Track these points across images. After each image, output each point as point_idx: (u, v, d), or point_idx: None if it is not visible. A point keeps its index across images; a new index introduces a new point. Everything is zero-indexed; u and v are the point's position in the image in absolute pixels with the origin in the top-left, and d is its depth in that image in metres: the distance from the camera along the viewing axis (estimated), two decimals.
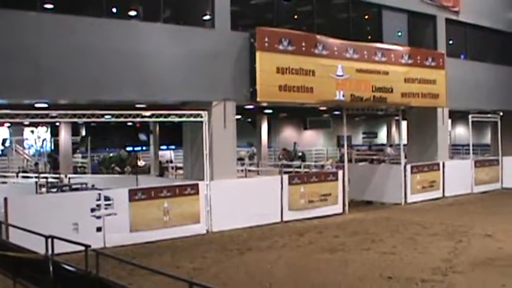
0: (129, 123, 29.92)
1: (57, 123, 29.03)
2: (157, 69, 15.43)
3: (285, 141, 43.57)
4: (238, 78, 16.59)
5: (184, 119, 15.41)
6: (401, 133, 23.30)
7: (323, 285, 10.43)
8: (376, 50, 19.63)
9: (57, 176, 23.24)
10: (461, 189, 22.48)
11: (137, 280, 10.07)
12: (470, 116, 23.49)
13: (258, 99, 16.50)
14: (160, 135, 32.75)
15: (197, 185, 15.29)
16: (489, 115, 24.94)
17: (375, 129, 52.46)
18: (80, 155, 35.68)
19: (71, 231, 12.53)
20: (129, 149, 38.62)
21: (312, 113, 33.34)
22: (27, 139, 39.01)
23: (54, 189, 17.51)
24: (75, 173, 28.05)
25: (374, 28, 21.64)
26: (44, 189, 17.72)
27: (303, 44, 17.37)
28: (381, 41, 20.58)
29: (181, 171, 24.49)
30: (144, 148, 40.78)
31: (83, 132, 40.14)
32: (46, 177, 21.15)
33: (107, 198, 13.82)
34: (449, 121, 26.88)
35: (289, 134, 46.99)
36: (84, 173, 29.37)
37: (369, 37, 21.24)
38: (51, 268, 7.54)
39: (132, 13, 16.85)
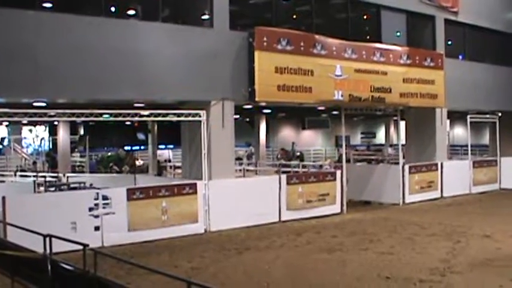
0: (128, 123, 29.86)
1: (56, 122, 29.03)
2: (156, 69, 15.42)
3: (283, 141, 43.61)
4: (236, 77, 16.59)
5: (182, 118, 15.40)
6: (400, 133, 23.32)
7: (321, 285, 10.43)
8: (374, 50, 19.63)
9: (55, 175, 23.23)
10: (459, 189, 22.49)
11: (135, 279, 10.06)
12: (468, 117, 23.49)
13: (256, 98, 16.50)
14: (159, 135, 32.78)
15: (195, 184, 15.28)
16: (487, 116, 24.95)
17: (373, 129, 52.51)
18: (78, 154, 35.66)
19: (69, 230, 12.51)
20: (127, 148, 38.59)
21: (310, 112, 33.39)
22: (25, 138, 39.00)
23: (53, 188, 17.50)
24: (73, 172, 28.02)
25: (373, 28, 21.64)
26: (42, 188, 17.71)
27: (302, 43, 17.38)
28: (380, 41, 20.59)
29: (179, 171, 24.54)
30: (142, 147, 40.80)
31: (81, 131, 40.10)
32: (44, 176, 21.16)
33: (105, 198, 13.80)
34: (448, 121, 26.87)
35: (287, 133, 47.03)
36: (83, 172, 29.34)
37: (368, 37, 21.24)
38: (49, 267, 7.54)
39: (131, 12, 16.85)
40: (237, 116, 22.03)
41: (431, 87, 21.55)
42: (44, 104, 15.28)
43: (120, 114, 14.23)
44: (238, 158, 31.36)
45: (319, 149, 47.23)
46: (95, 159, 34.52)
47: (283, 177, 17.51)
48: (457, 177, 22.51)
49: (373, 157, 36.99)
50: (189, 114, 15.37)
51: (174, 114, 15.14)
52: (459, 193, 22.36)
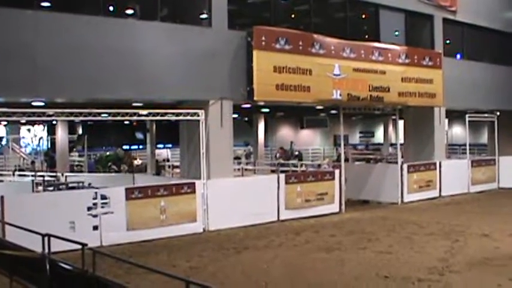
0: (126, 122, 29.89)
1: (54, 122, 29.00)
2: (154, 68, 15.42)
3: (281, 140, 43.66)
4: (235, 77, 16.59)
5: (181, 117, 15.39)
6: (398, 132, 23.33)
7: (319, 285, 10.42)
8: (373, 50, 19.64)
9: (53, 174, 23.23)
10: (458, 188, 22.50)
11: (134, 279, 10.05)
12: (467, 116, 23.49)
13: (255, 98, 16.50)
14: (157, 134, 32.80)
15: (194, 183, 15.28)
16: (486, 115, 24.96)
17: (371, 129, 52.55)
18: (76, 154, 35.67)
19: (68, 230, 12.51)
20: (126, 147, 38.61)
21: (308, 112, 33.37)
22: (23, 137, 39.01)
23: (51, 188, 17.49)
24: (71, 171, 28.05)
25: (371, 27, 21.64)
26: (40, 188, 17.71)
27: (300, 43, 17.37)
28: (378, 41, 20.60)
29: (178, 170, 24.54)
30: (141, 147, 40.82)
31: (80, 131, 40.10)
32: (43, 176, 21.16)
33: (103, 197, 13.79)
34: (446, 121, 26.90)
35: (286, 133, 47.07)
36: (81, 171, 29.36)
37: (366, 36, 21.26)
38: (47, 266, 7.53)
39: (129, 11, 16.83)
40: (236, 116, 22.04)
41: (430, 87, 21.56)
42: (42, 104, 15.28)
43: (118, 114, 14.22)
44: (237, 158, 31.40)
45: (317, 148, 47.26)
46: (94, 159, 34.53)
47: (282, 176, 17.51)
48: (455, 176, 22.52)
49: (371, 156, 37.03)
50: (188, 114, 15.36)
51: (173, 113, 15.13)
52: (457, 192, 22.37)
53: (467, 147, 24.19)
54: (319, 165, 28.05)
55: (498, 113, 25.34)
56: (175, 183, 15.53)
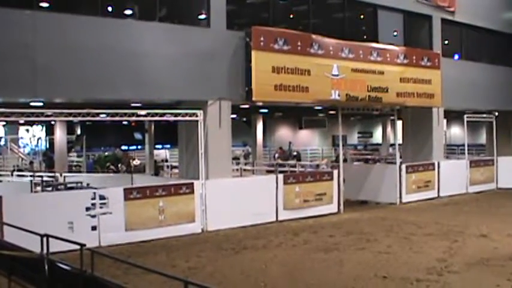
0: (125, 122, 29.86)
1: (53, 122, 29.00)
2: (153, 68, 15.41)
3: (280, 141, 43.66)
4: (233, 77, 16.59)
5: (179, 118, 15.39)
6: (397, 133, 23.33)
7: (318, 285, 10.43)
8: (371, 50, 19.65)
9: (52, 174, 23.20)
10: (456, 189, 22.53)
11: (132, 279, 10.06)
12: (465, 116, 23.51)
13: (253, 98, 16.50)
14: (156, 134, 32.77)
15: (192, 184, 15.28)
16: (484, 115, 24.97)
17: (370, 129, 52.61)
18: (75, 154, 35.65)
19: (66, 230, 12.51)
20: (124, 147, 38.60)
21: (307, 112, 33.40)
22: (22, 138, 38.99)
23: (49, 188, 17.47)
24: (70, 171, 28.00)
25: (369, 28, 21.65)
26: (39, 188, 17.69)
27: (299, 43, 17.38)
28: (377, 41, 20.61)
29: (176, 170, 24.51)
30: (139, 147, 40.80)
31: (78, 131, 40.09)
32: (41, 176, 21.13)
33: (102, 197, 13.78)
34: (445, 121, 26.93)
35: (284, 133, 47.07)
36: (80, 171, 29.33)
37: (365, 37, 21.26)
38: (46, 267, 7.52)
39: (128, 12, 16.83)
40: (234, 116, 22.04)
41: (428, 87, 21.58)
42: (40, 104, 15.26)
43: (117, 114, 14.21)
44: (235, 158, 31.39)
45: (316, 149, 47.27)
46: (92, 159, 34.52)
47: (280, 176, 17.49)
48: (453, 176, 22.55)
49: (369, 156, 37.05)
50: (186, 114, 15.36)
51: (171, 114, 15.13)
52: (456, 192, 22.40)
53: (466, 148, 24.19)
54: (317, 166, 28.02)
55: (496, 114, 25.38)
56: (174, 183, 15.53)
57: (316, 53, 17.82)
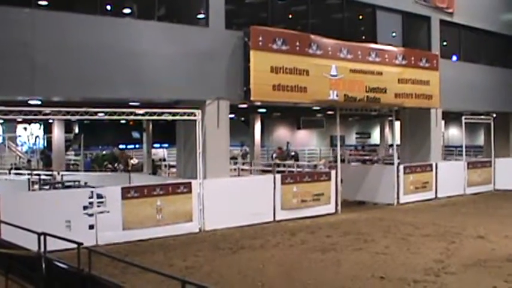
0: (123, 121, 29.81)
1: (50, 121, 28.96)
2: (151, 67, 15.40)
3: (278, 141, 43.61)
4: (232, 77, 16.58)
5: (177, 117, 15.39)
6: (395, 134, 23.34)
7: (315, 285, 10.43)
8: (370, 51, 19.65)
9: (49, 173, 23.18)
10: (453, 190, 22.53)
11: (130, 278, 10.05)
12: (463, 118, 23.54)
13: (251, 98, 16.49)
14: (154, 134, 32.70)
15: (190, 183, 15.27)
16: (482, 117, 25.01)
17: (368, 130, 52.62)
18: (72, 153, 35.59)
19: (64, 229, 12.50)
20: (122, 146, 38.55)
21: (305, 112, 33.41)
22: (20, 136, 38.89)
23: (47, 187, 17.48)
24: (67, 170, 27.97)
25: (368, 28, 21.66)
26: (36, 187, 17.69)
27: (297, 43, 17.37)
28: (375, 42, 20.61)
29: (174, 170, 24.48)
30: (137, 146, 40.71)
31: (76, 130, 40.01)
32: (39, 174, 21.11)
33: (99, 196, 13.78)
34: (443, 122, 26.95)
35: (282, 133, 47.03)
36: (77, 170, 29.26)
37: (363, 37, 21.26)
38: (43, 265, 7.52)
39: (127, 11, 16.83)
40: (232, 116, 22.03)
41: (427, 88, 21.58)
42: (38, 102, 15.26)
43: (115, 113, 14.21)
44: (233, 158, 31.38)
45: (313, 149, 47.25)
46: (90, 158, 34.46)
47: (278, 176, 17.50)
48: (451, 177, 22.56)
49: (367, 157, 37.06)
50: (184, 114, 15.35)
51: (169, 113, 15.12)
52: (453, 194, 22.41)
53: (464, 149, 24.23)
54: (315, 166, 28.03)
55: (494, 115, 25.39)
56: (172, 182, 15.52)
57: (314, 53, 17.82)
